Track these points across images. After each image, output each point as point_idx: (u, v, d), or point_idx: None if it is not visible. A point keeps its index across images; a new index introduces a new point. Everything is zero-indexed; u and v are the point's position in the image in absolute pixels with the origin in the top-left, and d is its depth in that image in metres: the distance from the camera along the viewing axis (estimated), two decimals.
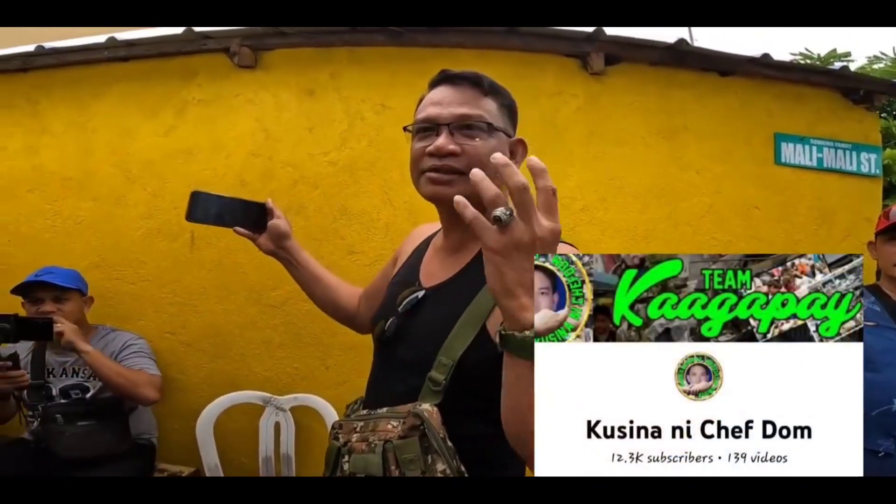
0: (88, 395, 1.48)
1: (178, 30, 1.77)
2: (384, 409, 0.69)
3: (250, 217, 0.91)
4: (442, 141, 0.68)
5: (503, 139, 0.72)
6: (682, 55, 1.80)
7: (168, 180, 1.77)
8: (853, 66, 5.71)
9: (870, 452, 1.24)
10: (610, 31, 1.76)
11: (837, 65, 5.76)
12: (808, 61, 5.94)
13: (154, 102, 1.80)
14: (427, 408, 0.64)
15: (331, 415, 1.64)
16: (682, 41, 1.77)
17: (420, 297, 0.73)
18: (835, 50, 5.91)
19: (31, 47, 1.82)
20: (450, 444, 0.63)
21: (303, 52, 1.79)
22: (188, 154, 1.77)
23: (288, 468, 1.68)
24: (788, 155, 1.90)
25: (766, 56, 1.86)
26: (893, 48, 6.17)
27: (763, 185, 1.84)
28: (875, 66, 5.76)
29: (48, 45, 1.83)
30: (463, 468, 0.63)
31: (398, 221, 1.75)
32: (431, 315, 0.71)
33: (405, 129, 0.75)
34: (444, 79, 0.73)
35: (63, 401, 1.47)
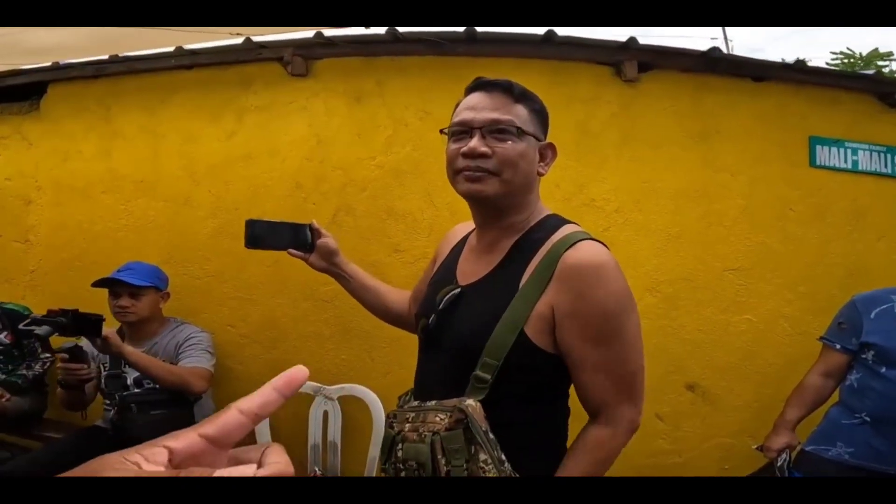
0: (159, 385, 1.59)
1: (238, 39, 1.87)
2: (433, 402, 0.75)
3: (300, 239, 0.98)
4: (475, 143, 0.74)
5: (532, 143, 0.77)
6: (714, 62, 1.84)
7: (230, 183, 1.91)
8: (895, 66, 5.51)
9: None
10: (642, 39, 1.79)
11: (881, 63, 5.60)
12: (850, 60, 5.75)
13: (216, 108, 1.97)
14: (471, 403, 0.70)
15: (375, 404, 1.75)
16: (714, 49, 1.81)
17: (457, 294, 0.78)
18: (877, 49, 5.72)
19: (104, 56, 1.94)
20: (492, 436, 0.69)
21: (350, 62, 1.92)
22: (248, 158, 1.90)
23: (334, 455, 1.79)
24: (823, 158, 1.93)
25: (800, 62, 1.88)
26: None
27: (797, 186, 1.89)
28: None
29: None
30: (503, 457, 0.69)
31: (440, 221, 1.87)
32: (469, 311, 0.77)
33: (442, 131, 0.81)
34: (479, 86, 0.78)
35: (137, 390, 1.59)
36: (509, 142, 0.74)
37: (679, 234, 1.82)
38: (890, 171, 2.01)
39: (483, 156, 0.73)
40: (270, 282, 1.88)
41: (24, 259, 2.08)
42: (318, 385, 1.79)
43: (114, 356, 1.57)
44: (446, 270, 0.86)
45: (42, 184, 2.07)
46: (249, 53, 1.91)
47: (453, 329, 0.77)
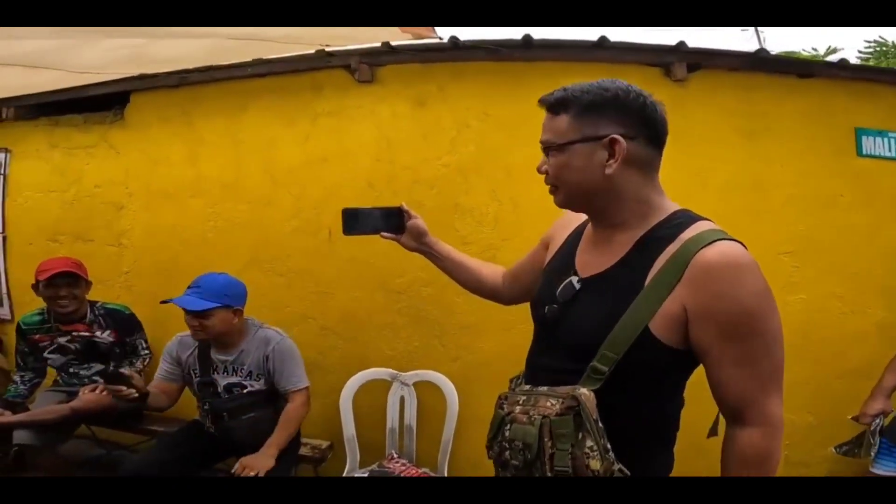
0: (246, 391, 1.66)
1: (311, 49, 2.02)
2: (545, 388, 0.78)
3: (392, 222, 1.05)
4: (539, 164, 0.84)
5: (580, 148, 0.77)
6: (761, 61, 1.95)
7: (307, 184, 2.09)
8: None
9: None
10: (691, 42, 1.91)
11: None
12: (882, 48, 5.81)
13: (291, 114, 2.14)
14: (585, 392, 0.73)
15: (449, 389, 1.88)
16: (762, 49, 1.97)
17: (578, 286, 0.81)
18: None
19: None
20: (601, 425, 0.72)
21: (412, 68, 2.08)
22: (322, 161, 2.08)
23: (410, 439, 1.92)
24: (869, 147, 2.06)
25: (843, 60, 2.00)
26: None
27: (845, 175, 2.01)
28: None
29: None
30: (609, 446, 0.72)
31: (504, 215, 2.02)
32: (591, 306, 0.78)
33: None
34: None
35: (226, 396, 1.67)
36: (552, 158, 0.80)
37: (729, 223, 1.92)
38: None
39: (546, 173, 0.82)
40: (347, 276, 2.04)
41: (117, 262, 2.26)
42: (395, 372, 1.93)
43: (205, 366, 1.66)
44: (564, 259, 0.88)
45: (133, 190, 2.25)
46: (320, 61, 2.07)
47: (573, 322, 0.80)
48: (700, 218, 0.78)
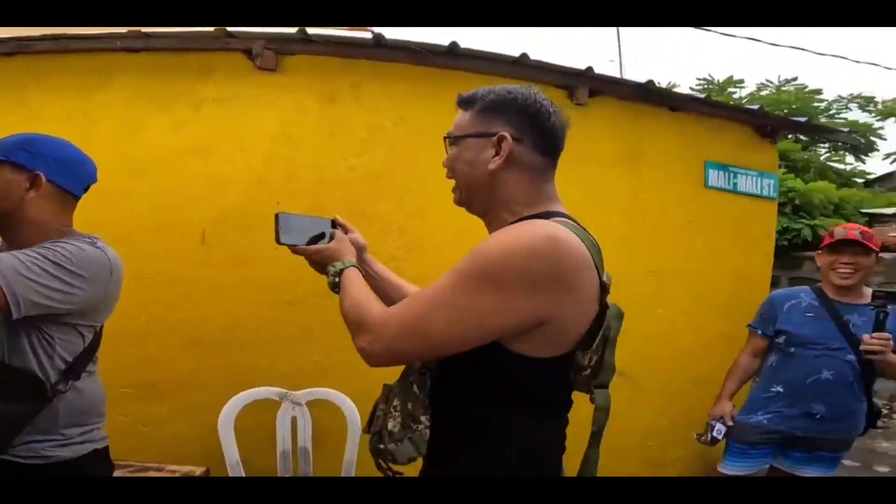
0: None
1: (208, 27, 1.73)
2: None
3: (323, 234, 0.92)
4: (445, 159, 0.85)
5: (471, 143, 0.79)
6: (645, 92, 2.17)
7: (181, 177, 1.79)
8: (744, 92, 6.64)
9: (808, 416, 1.62)
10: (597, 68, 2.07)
11: (731, 90, 6.43)
12: (709, 86, 6.76)
13: (166, 96, 1.81)
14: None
15: (349, 407, 1.77)
16: (650, 81, 2.17)
17: None
18: (731, 77, 6.76)
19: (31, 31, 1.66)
20: (418, 392, 0.77)
21: (326, 61, 1.91)
22: (204, 151, 1.82)
23: (306, 462, 1.78)
24: (714, 179, 2.38)
25: (708, 96, 2.31)
26: (778, 76, 6.96)
27: (696, 204, 2.33)
28: (762, 93, 6.57)
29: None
30: (421, 417, 0.76)
31: (410, 225, 1.96)
32: None
33: None
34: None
35: None
36: (450, 150, 0.82)
37: (613, 241, 2.13)
38: (759, 192, 2.51)
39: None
40: (227, 284, 1.79)
41: None
42: (284, 391, 1.74)
43: None
44: None
45: None
46: (214, 42, 1.78)
47: None
48: (560, 215, 0.77)
